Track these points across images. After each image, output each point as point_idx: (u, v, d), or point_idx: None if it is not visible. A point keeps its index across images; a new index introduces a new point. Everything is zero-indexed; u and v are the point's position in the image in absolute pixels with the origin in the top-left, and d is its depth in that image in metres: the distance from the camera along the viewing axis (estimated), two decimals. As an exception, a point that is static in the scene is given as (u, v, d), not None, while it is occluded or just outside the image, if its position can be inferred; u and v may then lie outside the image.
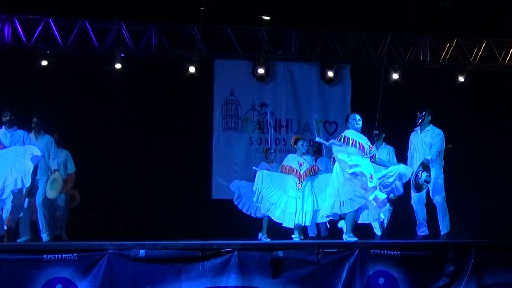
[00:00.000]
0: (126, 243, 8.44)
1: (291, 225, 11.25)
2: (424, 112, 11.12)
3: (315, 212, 11.01)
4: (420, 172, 10.58)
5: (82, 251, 8.12)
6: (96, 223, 14.48)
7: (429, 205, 11.33)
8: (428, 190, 11.07)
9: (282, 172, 11.65)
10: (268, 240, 11.73)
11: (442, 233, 10.93)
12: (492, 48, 16.46)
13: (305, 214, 11.03)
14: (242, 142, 16.20)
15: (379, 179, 9.79)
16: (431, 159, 10.81)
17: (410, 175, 10.21)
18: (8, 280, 7.87)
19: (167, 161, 15.22)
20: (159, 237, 11.18)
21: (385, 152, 12.06)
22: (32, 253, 8.08)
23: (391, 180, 9.86)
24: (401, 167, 10.05)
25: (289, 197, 11.15)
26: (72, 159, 12.63)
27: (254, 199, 11.59)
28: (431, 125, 11.15)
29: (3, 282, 7.86)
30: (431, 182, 10.78)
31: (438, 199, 10.94)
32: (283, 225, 11.45)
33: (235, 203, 12.88)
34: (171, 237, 11.16)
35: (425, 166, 10.63)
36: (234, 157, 16.05)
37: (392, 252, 8.68)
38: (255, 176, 12.09)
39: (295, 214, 11.15)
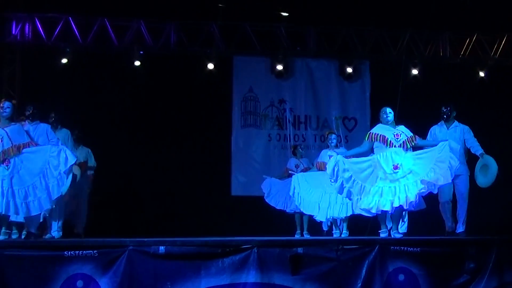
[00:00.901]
0: (146, 239, 8.46)
1: (323, 219, 11.43)
2: (449, 107, 11.01)
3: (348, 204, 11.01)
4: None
5: (102, 248, 8.14)
6: (116, 220, 14.51)
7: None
8: (454, 186, 10.93)
9: (318, 169, 11.73)
10: (306, 237, 11.89)
11: (458, 231, 10.81)
12: (512, 43, 16.42)
13: (341, 205, 11.09)
14: (261, 138, 16.25)
15: (422, 155, 9.85)
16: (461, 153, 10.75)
17: (458, 150, 10.08)
18: (30, 276, 7.91)
19: (186, 158, 15.25)
20: (179, 233, 11.20)
21: None
22: (54, 250, 8.12)
23: (442, 154, 9.76)
24: (451, 141, 9.94)
25: (326, 192, 11.17)
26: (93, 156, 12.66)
27: (297, 203, 11.71)
28: (456, 120, 11.06)
29: (25, 278, 7.90)
30: (461, 176, 10.72)
31: (464, 192, 10.82)
32: (318, 219, 11.67)
33: (266, 200, 13.00)
34: (191, 234, 11.17)
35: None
36: (253, 153, 16.11)
37: (412, 248, 8.64)
38: (287, 174, 12.27)
39: (327, 208, 11.30)
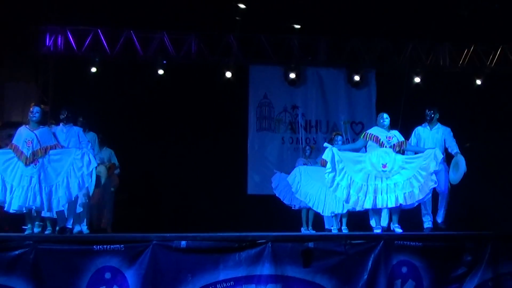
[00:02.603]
0: (168, 235, 8.49)
1: (327, 213, 11.38)
2: (432, 110, 11.04)
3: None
4: None
5: (128, 242, 8.19)
6: (141, 217, 14.58)
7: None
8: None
9: (321, 165, 11.70)
10: (310, 232, 11.90)
11: (439, 221, 10.78)
12: (506, 54, 16.47)
13: (338, 202, 11.02)
14: (275, 141, 16.26)
15: (411, 160, 9.94)
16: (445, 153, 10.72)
17: (441, 160, 10.19)
18: (62, 268, 7.97)
19: (206, 159, 15.27)
20: (199, 229, 11.18)
21: None
22: (84, 244, 8.17)
23: (427, 161, 9.84)
24: (437, 150, 10.01)
25: (327, 188, 11.16)
26: (116, 157, 12.69)
27: (293, 190, 11.69)
28: (438, 123, 11.06)
29: (58, 270, 7.97)
30: (440, 173, 10.66)
31: (444, 188, 10.78)
32: (321, 214, 11.61)
33: (274, 191, 13.01)
34: (210, 229, 11.20)
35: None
36: (267, 155, 16.11)
37: (414, 243, 8.67)
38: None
39: (325, 202, 11.27)
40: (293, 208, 12.81)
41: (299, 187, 11.66)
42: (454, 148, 10.79)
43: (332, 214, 11.43)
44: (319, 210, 11.54)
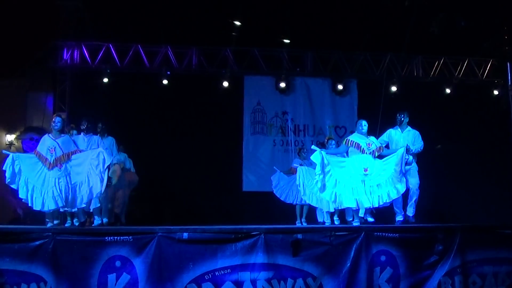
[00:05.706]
0: (172, 227, 8.46)
1: (330, 209, 11.36)
2: (403, 114, 10.93)
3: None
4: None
5: (136, 234, 8.16)
6: (149, 211, 14.56)
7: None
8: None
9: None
10: (302, 225, 11.92)
11: (410, 215, 10.72)
12: (472, 66, 16.62)
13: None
14: (267, 144, 16.25)
15: (387, 161, 9.93)
16: (413, 151, 10.62)
17: (411, 159, 10.31)
18: (77, 256, 7.97)
19: (206, 160, 15.25)
20: (199, 222, 11.21)
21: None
22: (96, 235, 8.15)
23: (402, 158, 9.91)
24: (409, 146, 10.27)
25: None
26: (128, 159, 12.67)
27: (300, 189, 11.67)
28: (409, 126, 10.98)
29: (74, 258, 7.97)
30: (411, 169, 10.61)
31: (414, 183, 10.70)
32: (323, 210, 11.66)
33: (273, 189, 12.94)
34: (209, 222, 11.18)
35: (408, 151, 10.44)
36: (260, 156, 16.11)
37: (392, 234, 8.65)
38: (292, 171, 12.46)
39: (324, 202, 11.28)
40: (292, 203, 12.72)
41: (304, 188, 11.65)
42: (413, 148, 10.67)
43: (327, 211, 11.49)
44: (319, 206, 11.66)
